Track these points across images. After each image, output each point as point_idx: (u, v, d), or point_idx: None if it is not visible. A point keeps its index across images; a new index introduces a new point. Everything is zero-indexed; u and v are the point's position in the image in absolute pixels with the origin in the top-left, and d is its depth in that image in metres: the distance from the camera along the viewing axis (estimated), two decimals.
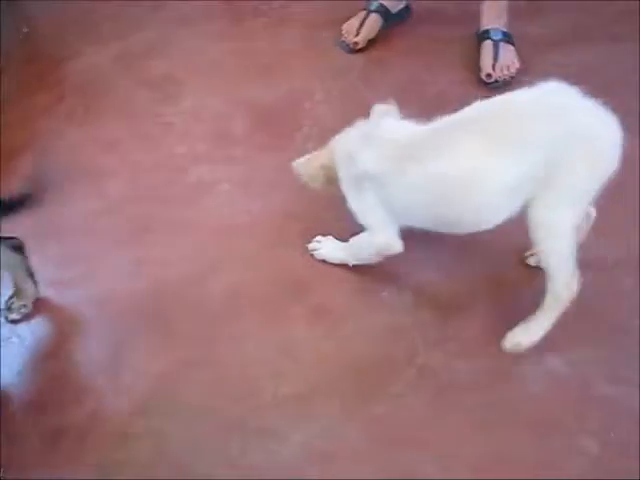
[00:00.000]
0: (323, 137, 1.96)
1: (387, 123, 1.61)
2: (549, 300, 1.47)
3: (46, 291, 1.77)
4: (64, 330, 1.69)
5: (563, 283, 1.44)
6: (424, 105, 1.97)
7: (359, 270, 1.70)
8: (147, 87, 2.31)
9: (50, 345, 1.67)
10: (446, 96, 2.09)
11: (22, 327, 1.71)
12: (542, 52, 2.18)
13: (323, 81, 2.23)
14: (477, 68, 2.14)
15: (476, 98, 1.47)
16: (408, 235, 1.59)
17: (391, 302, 1.65)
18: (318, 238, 1.77)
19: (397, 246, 1.59)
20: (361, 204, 1.61)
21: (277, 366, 1.55)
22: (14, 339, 1.69)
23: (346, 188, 1.63)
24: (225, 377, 1.55)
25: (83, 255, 1.85)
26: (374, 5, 2.38)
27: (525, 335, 1.51)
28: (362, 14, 2.37)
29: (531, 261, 1.65)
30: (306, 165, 1.72)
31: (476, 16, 2.21)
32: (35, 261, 1.84)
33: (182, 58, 2.40)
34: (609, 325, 1.54)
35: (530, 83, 1.41)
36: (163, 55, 2.42)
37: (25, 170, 1.95)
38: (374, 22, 2.36)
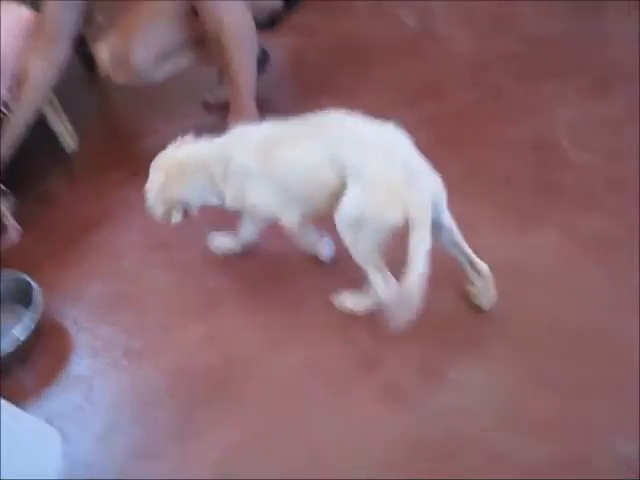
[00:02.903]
0: None
1: (245, 129, 1.84)
2: (368, 288, 1.73)
3: (120, 360, 1.82)
4: (139, 397, 1.73)
5: (373, 282, 1.69)
6: None
7: (426, 348, 1.70)
8: None
9: (123, 411, 1.70)
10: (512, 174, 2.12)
11: (96, 394, 1.75)
12: None
13: None
14: None
15: None
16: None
17: (458, 382, 1.64)
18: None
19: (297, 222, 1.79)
20: (254, 197, 1.78)
21: (345, 444, 1.55)
22: (88, 406, 1.73)
23: (234, 193, 1.79)
24: (293, 452, 1.55)
25: (157, 326, 1.90)
26: None
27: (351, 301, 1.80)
28: None
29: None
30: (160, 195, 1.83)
31: None
32: (109, 330, 1.91)
33: None
34: None
35: None
36: None
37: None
38: None
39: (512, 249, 1.90)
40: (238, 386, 1.70)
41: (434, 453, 1.51)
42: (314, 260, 1.97)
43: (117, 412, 1.70)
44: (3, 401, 1.32)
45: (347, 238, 1.66)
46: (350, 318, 1.80)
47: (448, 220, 1.69)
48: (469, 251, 1.73)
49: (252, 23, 2.22)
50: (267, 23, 2.57)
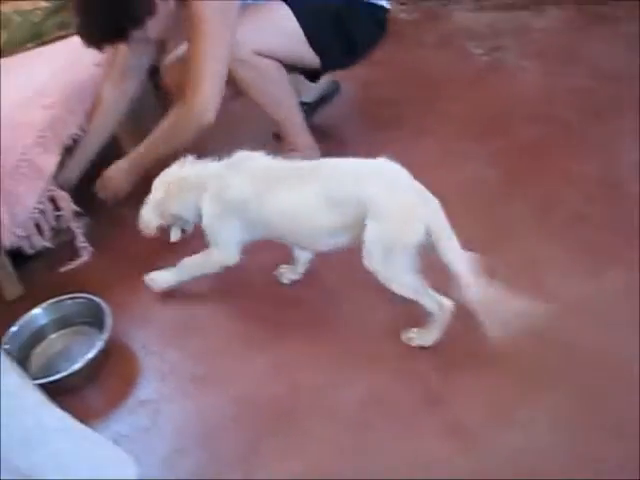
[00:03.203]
0: None
1: (249, 156, 1.92)
2: (430, 318, 1.77)
3: (187, 385, 1.84)
4: (205, 422, 1.74)
5: (430, 307, 1.74)
6: None
7: (493, 385, 1.68)
8: None
9: (188, 436, 1.72)
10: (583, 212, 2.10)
11: (162, 418, 1.77)
12: None
13: (459, 194, 2.27)
14: None
15: None
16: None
17: (525, 422, 1.61)
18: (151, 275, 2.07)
19: (236, 260, 1.95)
20: (222, 227, 1.92)
21: None
22: (154, 430, 1.75)
23: (210, 210, 1.90)
24: None
25: (224, 352, 1.91)
26: None
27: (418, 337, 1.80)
28: None
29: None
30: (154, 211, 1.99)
31: None
32: (177, 355, 1.94)
33: None
34: None
35: None
36: None
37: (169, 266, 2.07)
38: None
39: (585, 289, 1.87)
40: (303, 417, 1.70)
41: None
42: (379, 290, 1.97)
43: (183, 437, 1.71)
44: (82, 426, 1.34)
45: (382, 274, 1.72)
46: (416, 352, 1.79)
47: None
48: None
49: (272, 71, 2.23)
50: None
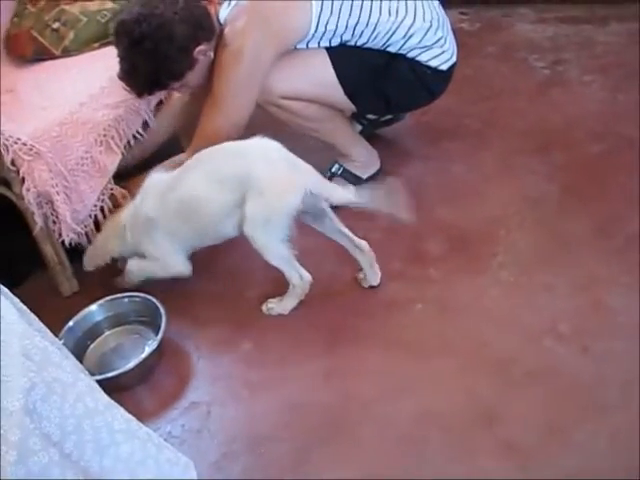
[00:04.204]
0: (517, 266, 1.99)
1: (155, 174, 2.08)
2: (290, 288, 1.97)
3: (239, 390, 1.84)
4: (256, 428, 1.74)
5: (291, 277, 1.94)
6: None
7: (551, 403, 1.65)
8: None
9: (239, 441, 1.71)
10: None
11: (213, 422, 1.77)
12: None
13: (519, 209, 2.25)
14: None
15: None
16: None
17: (582, 444, 1.57)
18: None
19: (188, 270, 2.06)
20: (152, 243, 2.03)
21: None
22: (205, 432, 1.75)
23: (138, 237, 2.05)
24: None
25: (277, 358, 1.91)
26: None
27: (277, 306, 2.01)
28: None
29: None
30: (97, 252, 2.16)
31: None
32: (229, 359, 1.94)
33: None
34: None
35: None
36: None
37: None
38: None
39: None
40: (355, 428, 1.68)
41: None
42: (436, 303, 1.96)
43: (233, 441, 1.71)
44: (145, 428, 1.35)
45: (259, 242, 1.88)
46: (474, 368, 1.77)
47: (327, 208, 1.93)
48: (348, 232, 1.98)
49: (305, 110, 2.22)
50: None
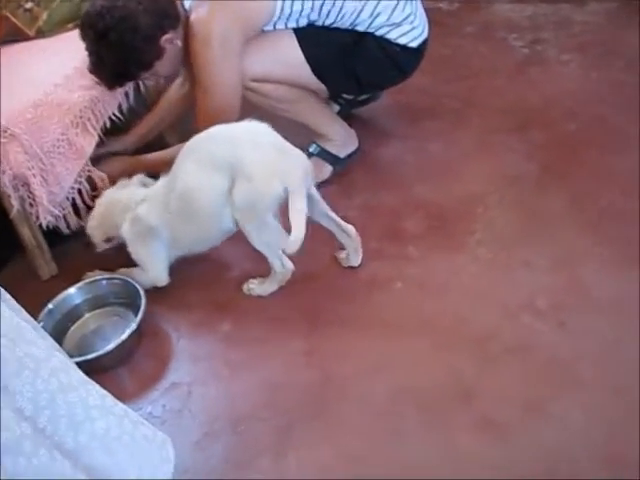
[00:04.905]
0: (495, 243, 2.01)
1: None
2: (272, 273, 1.98)
3: (220, 369, 1.84)
4: (237, 407, 1.74)
5: (274, 263, 1.94)
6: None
7: (529, 381, 1.67)
8: None
9: (220, 420, 1.71)
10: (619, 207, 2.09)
11: (194, 402, 1.78)
12: None
13: (497, 187, 2.26)
14: None
15: None
16: None
17: (557, 418, 1.59)
18: None
19: (165, 281, 2.04)
20: (144, 250, 2.03)
21: (436, 473, 1.52)
22: (186, 412, 1.76)
23: (130, 238, 2.02)
24: (385, 477, 1.53)
25: (257, 338, 1.92)
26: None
27: (258, 288, 2.02)
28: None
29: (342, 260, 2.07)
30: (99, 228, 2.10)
31: None
32: (210, 339, 1.95)
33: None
34: None
35: None
36: None
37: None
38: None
39: (619, 285, 1.85)
40: (334, 406, 1.69)
41: None
42: (415, 281, 1.97)
43: (214, 421, 1.71)
44: (121, 404, 1.35)
45: (246, 226, 1.88)
46: (453, 345, 1.78)
47: (316, 192, 1.92)
48: (336, 217, 1.98)
49: (276, 92, 2.22)
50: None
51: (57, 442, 1.14)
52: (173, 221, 1.96)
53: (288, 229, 1.77)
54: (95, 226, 2.09)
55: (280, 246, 1.89)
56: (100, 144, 2.28)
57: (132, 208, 2.01)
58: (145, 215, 1.98)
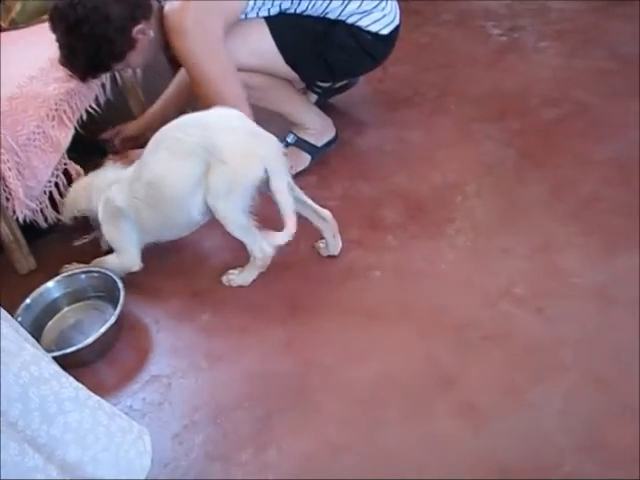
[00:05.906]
0: (474, 231, 2.01)
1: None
2: (251, 260, 1.97)
3: (200, 361, 1.84)
4: (217, 398, 1.74)
5: (253, 249, 1.93)
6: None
7: (505, 367, 1.68)
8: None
9: (200, 412, 1.71)
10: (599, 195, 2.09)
11: (174, 394, 1.77)
12: None
13: (475, 175, 2.26)
14: None
15: None
16: None
17: (537, 404, 1.59)
18: None
19: (137, 265, 2.05)
20: (115, 232, 2.04)
21: (418, 459, 1.52)
22: (166, 405, 1.75)
23: (103, 219, 2.04)
24: (366, 464, 1.53)
25: (237, 328, 1.91)
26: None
27: (238, 277, 2.02)
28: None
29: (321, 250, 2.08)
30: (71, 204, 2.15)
31: None
32: (189, 330, 1.94)
33: None
34: None
35: None
36: None
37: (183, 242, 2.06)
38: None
39: (598, 272, 1.86)
40: (315, 394, 1.69)
41: (510, 474, 1.47)
42: (394, 270, 1.98)
43: (194, 413, 1.71)
44: (95, 396, 1.34)
45: (221, 212, 1.86)
46: (432, 333, 1.79)
47: (290, 179, 1.90)
48: (311, 202, 1.97)
49: (248, 80, 2.19)
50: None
51: (30, 436, 1.14)
52: (139, 206, 1.96)
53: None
54: (68, 202, 2.15)
55: (263, 235, 1.91)
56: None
57: (104, 190, 2.02)
58: (113, 197, 1.99)
